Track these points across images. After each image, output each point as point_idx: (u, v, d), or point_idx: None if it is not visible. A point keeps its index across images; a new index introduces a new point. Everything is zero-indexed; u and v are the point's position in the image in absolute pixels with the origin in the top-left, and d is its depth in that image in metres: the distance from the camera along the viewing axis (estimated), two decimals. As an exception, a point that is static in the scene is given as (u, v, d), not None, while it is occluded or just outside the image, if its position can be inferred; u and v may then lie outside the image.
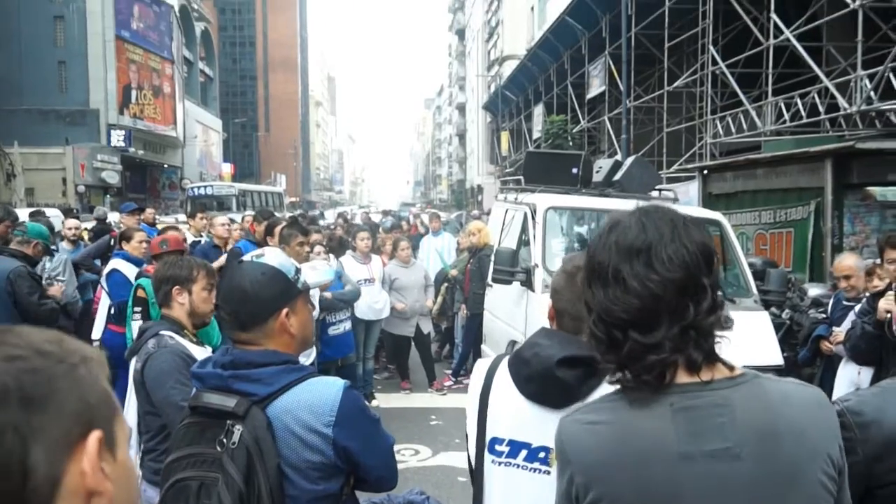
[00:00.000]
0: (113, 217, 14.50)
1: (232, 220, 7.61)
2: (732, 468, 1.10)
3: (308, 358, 4.54)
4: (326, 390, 1.67)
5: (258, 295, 1.72)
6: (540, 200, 6.51)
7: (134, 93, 40.10)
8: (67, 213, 9.12)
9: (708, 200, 11.77)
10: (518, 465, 1.77)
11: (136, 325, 4.23)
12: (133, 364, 2.76)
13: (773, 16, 12.19)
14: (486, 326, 7.41)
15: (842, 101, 10.43)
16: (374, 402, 7.17)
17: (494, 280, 6.47)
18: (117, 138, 37.92)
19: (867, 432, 1.34)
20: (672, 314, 1.13)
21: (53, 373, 0.66)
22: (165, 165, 45.91)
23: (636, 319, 1.14)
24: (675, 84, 16.72)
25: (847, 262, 4.78)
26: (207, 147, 55.60)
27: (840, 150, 9.58)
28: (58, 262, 5.88)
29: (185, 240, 5.65)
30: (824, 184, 9.61)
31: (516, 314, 6.31)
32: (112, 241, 7.25)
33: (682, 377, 1.15)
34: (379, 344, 7.89)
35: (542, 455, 1.75)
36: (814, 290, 6.96)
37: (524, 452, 1.76)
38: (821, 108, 11.22)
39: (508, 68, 39.78)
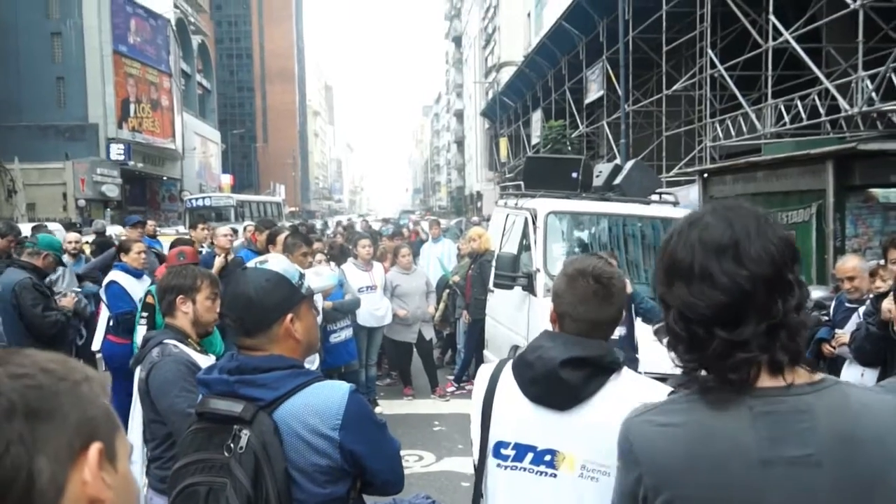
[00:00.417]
0: (114, 230, 14.51)
1: (234, 231, 7.62)
2: (813, 475, 1.09)
3: (312, 364, 4.54)
4: (332, 394, 1.67)
5: (263, 301, 1.73)
6: (540, 205, 6.52)
7: (132, 106, 40.21)
8: (70, 227, 9.12)
9: (708, 204, 11.76)
10: (524, 469, 1.77)
11: (141, 330, 4.24)
12: (138, 373, 2.76)
13: (772, 18, 12.20)
14: (488, 332, 7.41)
15: (843, 103, 10.43)
16: (378, 409, 7.16)
17: (496, 285, 6.48)
18: (117, 152, 38.02)
19: None
20: (760, 311, 1.12)
21: (57, 389, 0.70)
22: (165, 178, 45.99)
23: (722, 316, 1.13)
24: (674, 88, 16.73)
25: (850, 263, 4.77)
26: (206, 158, 55.71)
27: (841, 152, 9.59)
28: (58, 274, 5.88)
29: (197, 252, 5.68)
30: (826, 186, 9.62)
31: (518, 319, 6.31)
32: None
33: (765, 380, 1.14)
34: (381, 351, 7.88)
35: (547, 458, 1.74)
36: (816, 293, 6.95)
37: (530, 455, 1.76)
38: (821, 110, 11.22)
39: (506, 75, 39.87)
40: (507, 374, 1.83)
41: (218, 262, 6.21)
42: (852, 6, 10.10)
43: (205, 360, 2.74)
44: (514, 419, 1.79)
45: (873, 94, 9.90)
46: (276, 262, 1.83)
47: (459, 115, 71.72)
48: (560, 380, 1.70)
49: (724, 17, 14.53)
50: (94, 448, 0.70)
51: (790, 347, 1.13)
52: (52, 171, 34.81)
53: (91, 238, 10.35)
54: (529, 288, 6.03)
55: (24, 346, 0.78)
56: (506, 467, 1.79)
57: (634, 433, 1.20)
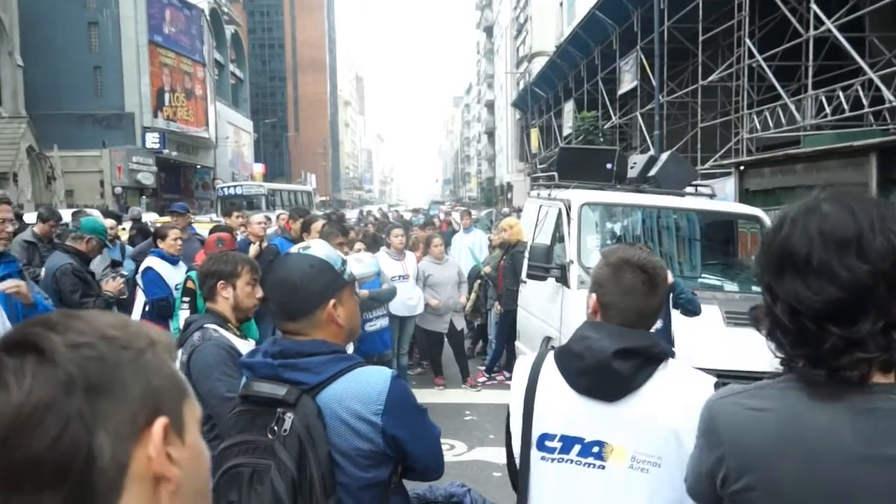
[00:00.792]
0: (149, 217, 14.72)
1: (267, 219, 7.70)
2: None
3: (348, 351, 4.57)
4: (374, 379, 1.68)
5: (306, 286, 1.74)
6: (574, 196, 6.46)
7: (167, 96, 40.82)
8: (108, 214, 9.27)
9: (745, 197, 11.61)
10: (571, 461, 1.75)
11: (183, 314, 4.31)
12: (178, 356, 2.80)
13: (814, 6, 11.90)
14: (519, 323, 7.38)
15: (887, 94, 10.16)
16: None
17: (529, 276, 6.44)
18: (152, 140, 38.66)
19: None
20: (879, 308, 1.07)
21: (119, 359, 0.66)
22: (198, 166, 46.63)
23: (836, 312, 1.08)
24: (710, 78, 16.45)
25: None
26: (239, 148, 56.34)
27: (885, 145, 9.37)
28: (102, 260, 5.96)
29: (234, 239, 5.75)
30: (868, 179, 9.40)
31: (551, 310, 6.27)
32: None
33: (876, 377, 1.10)
34: (412, 340, 7.91)
35: (595, 449, 1.73)
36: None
37: (577, 447, 1.74)
38: (864, 101, 10.95)
39: (538, 65, 39.59)
40: (550, 365, 1.81)
41: (253, 249, 6.27)
42: (898, -6, 9.81)
43: (244, 345, 2.78)
44: (559, 411, 1.77)
45: (919, 85, 9.62)
46: (320, 247, 1.85)
47: (490, 106, 71.44)
48: (612, 370, 1.68)
49: (762, 6, 14.20)
50: (159, 423, 0.66)
51: None
52: (89, 159, 35.55)
53: (128, 225, 10.54)
54: (563, 279, 5.99)
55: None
56: (551, 459, 1.77)
57: (721, 413, 1.18)
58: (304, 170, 77.29)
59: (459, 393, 7.64)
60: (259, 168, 57.53)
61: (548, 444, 1.78)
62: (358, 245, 5.97)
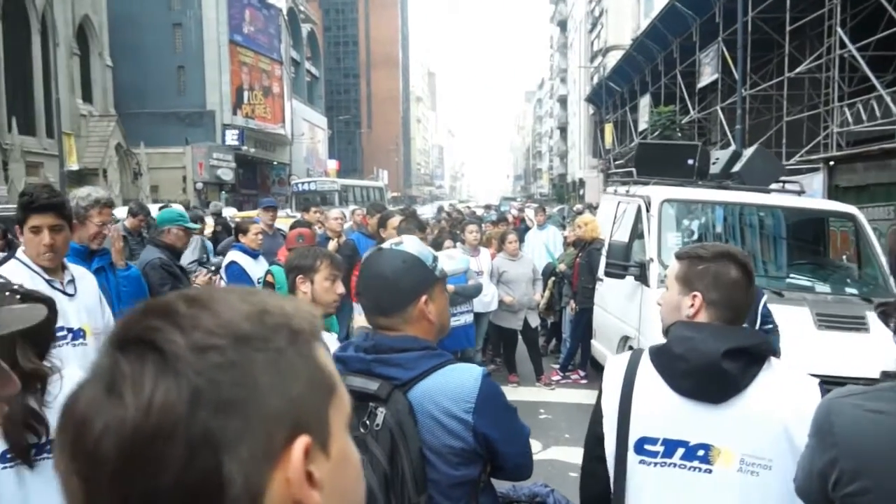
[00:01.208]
0: (228, 212, 15.20)
1: (343, 214, 7.83)
2: None
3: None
4: (466, 377, 1.67)
5: (398, 282, 1.73)
6: (654, 193, 6.32)
7: (246, 94, 42.10)
8: (192, 210, 9.64)
9: (835, 193, 11.08)
10: (675, 465, 1.69)
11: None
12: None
13: (911, -8, 11.27)
14: (596, 321, 7.26)
15: None
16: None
17: (607, 274, 6.33)
18: (231, 137, 39.98)
19: None
20: None
21: (253, 367, 0.56)
22: (275, 162, 47.93)
23: None
24: (798, 70, 15.77)
25: None
26: (314, 144, 57.58)
27: None
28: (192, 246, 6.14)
29: (315, 235, 5.88)
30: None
31: (629, 309, 6.15)
32: None
33: None
34: (486, 337, 7.88)
35: (700, 453, 1.67)
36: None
37: (681, 451, 1.69)
38: (966, 92, 10.28)
39: (612, 59, 38.87)
40: (646, 367, 1.75)
41: (331, 245, 6.38)
42: None
43: (326, 338, 2.81)
44: (660, 414, 1.72)
45: None
46: (411, 243, 1.84)
47: (563, 101, 70.60)
48: (721, 371, 1.62)
49: (855, -6, 13.53)
50: (300, 445, 0.56)
51: None
52: (173, 156, 37.06)
53: (210, 219, 10.93)
54: (642, 278, 5.86)
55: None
56: (653, 464, 1.72)
57: (840, 414, 1.14)
58: (377, 166, 78.35)
59: (533, 391, 7.57)
60: (333, 164, 58.63)
61: (648, 447, 1.72)
62: (448, 242, 6.00)
